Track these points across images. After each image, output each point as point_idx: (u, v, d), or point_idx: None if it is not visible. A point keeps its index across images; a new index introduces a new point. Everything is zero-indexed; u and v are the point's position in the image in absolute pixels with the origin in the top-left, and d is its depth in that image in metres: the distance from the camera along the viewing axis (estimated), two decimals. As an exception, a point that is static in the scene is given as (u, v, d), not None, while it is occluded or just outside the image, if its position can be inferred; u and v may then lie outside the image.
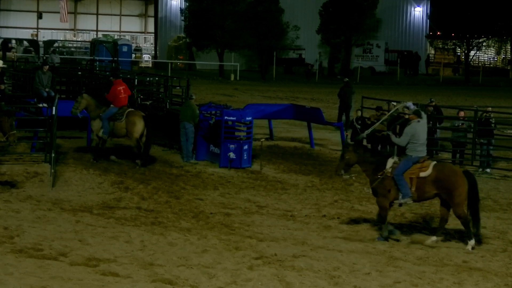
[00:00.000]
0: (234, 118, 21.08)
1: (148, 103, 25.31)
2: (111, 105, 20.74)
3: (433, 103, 23.67)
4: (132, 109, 21.14)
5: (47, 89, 23.79)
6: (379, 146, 23.14)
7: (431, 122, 22.10)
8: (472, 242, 13.78)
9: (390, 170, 13.99)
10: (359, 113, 24.27)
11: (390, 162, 14.08)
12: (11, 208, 15.22)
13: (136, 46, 73.92)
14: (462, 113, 22.74)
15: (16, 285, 10.79)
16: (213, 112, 21.81)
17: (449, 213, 14.02)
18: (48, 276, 11.23)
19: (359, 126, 23.87)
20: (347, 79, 33.61)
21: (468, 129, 22.30)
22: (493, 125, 22.22)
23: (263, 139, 23.45)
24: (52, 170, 17.64)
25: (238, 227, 14.64)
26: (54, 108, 18.95)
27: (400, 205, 14.43)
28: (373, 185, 14.25)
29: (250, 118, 21.37)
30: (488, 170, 21.95)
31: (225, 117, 21.00)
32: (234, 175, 19.85)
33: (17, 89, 28.61)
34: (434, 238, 13.98)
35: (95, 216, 14.98)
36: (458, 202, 13.74)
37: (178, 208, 15.98)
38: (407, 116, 14.51)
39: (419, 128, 14.02)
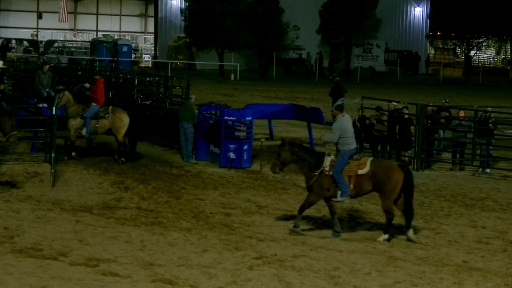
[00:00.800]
0: (234, 118, 21.08)
1: (148, 103, 25.31)
2: (93, 103, 20.77)
3: (448, 103, 23.50)
4: (115, 106, 21.19)
5: (47, 89, 23.77)
6: (379, 146, 23.16)
7: (429, 122, 22.11)
8: (385, 236, 14.02)
9: (328, 168, 14.03)
10: (360, 113, 24.23)
11: (327, 160, 14.12)
12: (11, 208, 15.23)
13: (135, 46, 73.92)
14: (462, 113, 22.72)
15: (16, 285, 10.79)
16: (213, 112, 21.81)
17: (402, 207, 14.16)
18: (48, 276, 11.23)
19: (358, 125, 23.83)
20: (338, 78, 33.84)
21: (468, 129, 22.28)
22: (491, 125, 22.18)
23: (263, 139, 23.45)
24: (52, 170, 17.64)
25: (238, 227, 14.64)
26: (54, 108, 18.95)
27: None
28: (309, 183, 14.20)
29: (250, 118, 21.37)
30: (488, 170, 21.94)
31: (225, 117, 21.00)
32: (234, 175, 19.85)
33: (17, 89, 28.61)
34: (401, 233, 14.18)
35: (95, 216, 14.98)
36: (388, 197, 13.92)
37: (178, 208, 15.98)
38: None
39: (345, 122, 14.22)
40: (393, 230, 14.23)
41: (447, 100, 24.23)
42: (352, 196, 14.23)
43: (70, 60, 49.66)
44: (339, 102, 14.60)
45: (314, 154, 14.51)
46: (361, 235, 14.50)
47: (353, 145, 14.13)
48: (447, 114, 23.19)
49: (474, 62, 72.55)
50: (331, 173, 13.96)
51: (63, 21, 76.38)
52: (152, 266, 11.91)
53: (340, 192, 14.01)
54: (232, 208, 16.28)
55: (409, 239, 14.01)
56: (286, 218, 15.63)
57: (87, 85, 21.65)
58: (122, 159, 20.48)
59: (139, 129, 23.77)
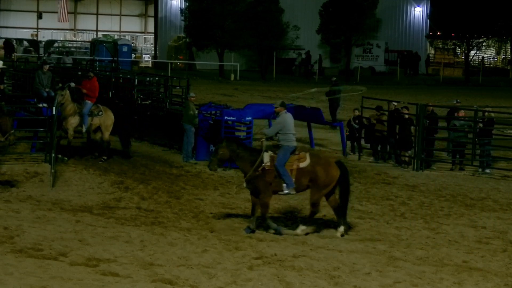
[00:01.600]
0: (234, 118, 21.07)
1: (148, 103, 25.32)
2: (87, 101, 20.84)
3: (459, 103, 23.36)
4: (102, 105, 21.33)
5: (47, 89, 23.76)
6: (379, 146, 23.16)
7: (427, 121, 22.11)
8: (302, 227, 14.08)
9: (269, 164, 14.05)
10: (357, 113, 24.27)
11: (266, 156, 14.16)
12: (11, 208, 15.23)
13: (134, 46, 73.92)
14: (462, 113, 22.72)
15: (16, 285, 10.79)
16: (213, 112, 21.81)
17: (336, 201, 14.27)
18: (48, 276, 11.23)
19: (357, 126, 23.88)
20: (335, 78, 34.07)
21: (469, 129, 22.25)
22: (484, 120, 22.12)
23: (263, 139, 23.41)
24: (52, 170, 17.64)
25: (238, 227, 14.63)
26: (54, 108, 18.94)
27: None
28: (253, 181, 14.17)
29: (250, 118, 21.37)
30: (488, 170, 21.93)
31: (225, 117, 21.00)
32: (234, 175, 19.83)
33: (17, 89, 28.61)
34: (342, 228, 14.17)
35: (95, 216, 14.98)
36: (320, 191, 13.99)
37: (178, 208, 15.98)
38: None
39: (288, 119, 14.32)
40: (310, 224, 14.24)
41: (458, 100, 24.08)
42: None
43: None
44: (312, 90, 14.81)
45: (252, 151, 14.58)
46: (361, 235, 14.48)
47: (294, 142, 14.24)
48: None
49: (474, 62, 72.52)
50: (272, 168, 13.99)
51: (63, 21, 76.37)
52: (152, 266, 11.91)
53: (285, 184, 14.02)
54: (232, 208, 16.28)
55: (342, 235, 14.07)
56: (286, 218, 15.62)
57: (72, 84, 21.80)
58: (104, 157, 20.49)
59: (135, 128, 23.91)
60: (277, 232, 14.16)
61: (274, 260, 12.51)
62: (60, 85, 22.45)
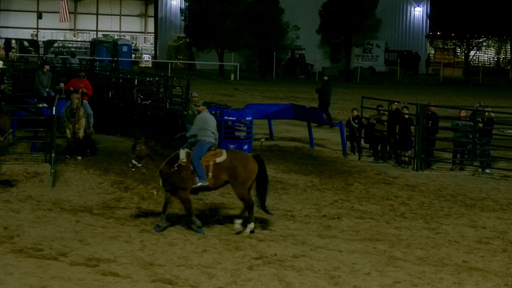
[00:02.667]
0: (234, 118, 21.08)
1: (148, 103, 25.32)
2: (85, 101, 21.03)
3: (481, 107, 23.21)
4: None
5: (47, 89, 23.78)
6: (379, 146, 23.16)
7: (430, 122, 22.10)
8: (251, 226, 14.10)
9: (185, 160, 14.09)
10: (355, 112, 24.29)
11: (182, 153, 14.21)
12: (11, 208, 15.23)
13: (135, 46, 73.96)
14: (463, 113, 22.72)
15: (16, 285, 10.79)
16: (213, 112, 21.80)
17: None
18: (48, 276, 11.24)
19: (356, 126, 23.89)
20: (327, 78, 34.27)
21: (470, 129, 22.22)
22: (484, 120, 22.09)
23: (263, 139, 23.47)
24: (52, 170, 17.64)
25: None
26: (54, 108, 18.95)
27: (197, 192, 14.46)
28: (170, 178, 14.17)
29: (250, 118, 21.37)
30: (488, 170, 21.93)
31: (225, 117, 21.00)
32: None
33: (17, 89, 28.61)
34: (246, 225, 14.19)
35: (95, 216, 14.98)
36: (242, 185, 14.06)
37: (178, 208, 15.96)
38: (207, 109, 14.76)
39: (208, 117, 14.47)
40: (253, 217, 14.25)
41: (481, 103, 23.97)
42: (211, 187, 14.28)
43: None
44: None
45: (168, 149, 14.73)
46: (361, 235, 14.49)
47: (213, 139, 14.30)
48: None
49: (474, 62, 72.48)
50: (189, 164, 14.04)
51: (64, 21, 76.50)
52: (152, 266, 11.91)
53: (197, 177, 14.04)
54: (232, 208, 16.27)
55: (252, 231, 14.07)
56: (286, 218, 15.63)
57: (61, 85, 21.94)
58: (79, 157, 20.61)
59: (135, 128, 23.97)
60: (199, 231, 14.06)
61: (274, 260, 12.52)
62: (62, 85, 22.53)
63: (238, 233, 14.06)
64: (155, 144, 14.55)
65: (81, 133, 20.70)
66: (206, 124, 14.29)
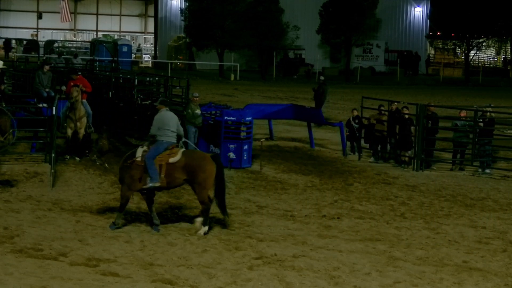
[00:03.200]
0: (234, 118, 21.07)
1: (148, 103, 25.31)
2: (84, 100, 21.08)
3: (492, 108, 23.10)
4: None
5: (47, 89, 23.78)
6: (379, 146, 23.16)
7: (430, 122, 22.10)
8: (205, 228, 14.01)
9: (140, 159, 14.08)
10: (355, 112, 24.30)
11: (139, 150, 14.20)
12: (11, 208, 15.23)
13: (138, 46, 73.98)
14: (463, 113, 22.72)
15: (16, 285, 10.80)
16: (213, 112, 21.82)
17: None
18: (48, 276, 11.24)
19: (356, 126, 23.89)
20: (323, 78, 34.36)
21: (470, 129, 22.22)
22: (485, 120, 22.07)
23: (263, 139, 23.46)
24: (52, 170, 17.63)
25: (238, 227, 14.64)
26: (54, 108, 18.95)
27: (147, 192, 14.40)
28: (120, 172, 14.26)
29: (250, 118, 21.36)
30: (488, 170, 21.93)
31: (225, 117, 21.00)
32: (234, 175, 19.85)
33: (17, 89, 28.61)
34: (203, 227, 14.09)
35: (95, 216, 14.98)
36: (203, 187, 13.98)
37: (178, 208, 15.98)
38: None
39: (166, 116, 14.40)
40: (208, 220, 14.16)
41: (491, 105, 23.90)
42: (165, 186, 14.23)
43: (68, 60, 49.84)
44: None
45: (129, 146, 14.66)
46: (361, 235, 14.49)
47: (172, 138, 14.27)
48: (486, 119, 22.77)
49: (474, 62, 72.47)
50: (142, 163, 14.02)
51: (66, 21, 76.60)
52: (152, 266, 11.91)
53: (149, 178, 14.01)
54: (232, 208, 16.27)
55: (205, 233, 14.01)
56: (286, 218, 15.63)
57: (63, 87, 22.01)
58: (78, 158, 20.72)
59: (135, 128, 24.06)
60: (113, 227, 14.08)
61: (274, 260, 12.52)
62: (64, 87, 22.56)
63: (200, 232, 13.97)
64: (117, 141, 14.61)
65: (82, 132, 20.74)
66: (164, 124, 14.24)
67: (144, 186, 14.07)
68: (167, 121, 14.26)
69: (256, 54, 62.91)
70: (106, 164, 14.91)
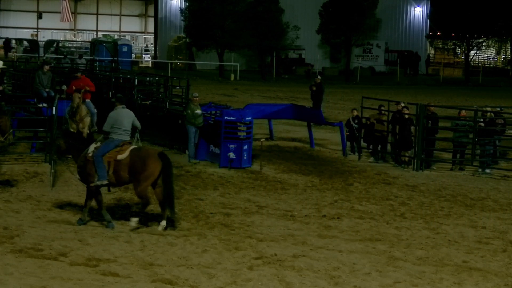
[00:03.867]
0: (234, 118, 21.07)
1: (148, 103, 25.32)
2: (88, 100, 21.32)
3: (502, 110, 22.95)
4: None
5: (47, 89, 23.79)
6: (379, 146, 23.17)
7: (430, 122, 22.11)
8: (135, 219, 14.05)
9: (91, 154, 14.17)
10: (355, 112, 24.30)
11: (92, 147, 14.30)
12: (11, 208, 15.23)
13: (146, 46, 74.06)
14: (463, 113, 22.72)
15: (16, 285, 10.79)
16: (213, 112, 21.82)
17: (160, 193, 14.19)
18: (48, 276, 11.24)
19: (356, 126, 23.89)
20: (320, 77, 34.42)
21: (469, 129, 22.24)
22: (486, 120, 22.07)
23: (263, 139, 23.46)
24: (52, 170, 17.63)
25: (238, 227, 14.64)
26: (54, 108, 18.95)
27: (109, 189, 14.58)
28: (78, 171, 14.39)
29: (250, 118, 21.37)
30: (488, 170, 21.93)
31: (225, 117, 21.00)
32: (234, 175, 19.86)
33: (17, 89, 28.60)
34: (164, 222, 14.11)
35: (95, 216, 14.97)
36: (141, 184, 13.94)
37: (178, 208, 15.95)
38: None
39: (121, 113, 14.52)
40: (143, 215, 14.22)
41: (502, 107, 23.85)
42: (115, 183, 14.29)
43: (70, 60, 49.84)
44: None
45: (83, 142, 14.82)
46: (361, 235, 14.49)
47: (125, 137, 14.35)
48: (502, 121, 22.77)
49: (474, 62, 72.47)
50: (93, 159, 14.15)
51: (67, 21, 76.66)
52: (152, 266, 11.91)
53: (97, 176, 14.10)
54: (232, 208, 16.28)
55: (165, 229, 14.02)
56: (286, 218, 15.63)
57: (64, 86, 22.17)
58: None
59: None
60: (80, 222, 14.18)
61: (274, 260, 12.52)
62: (65, 86, 22.63)
63: (133, 229, 13.95)
64: (71, 139, 14.83)
65: (85, 132, 20.86)
66: (117, 122, 14.33)
67: (92, 184, 14.20)
68: (121, 119, 14.38)
69: (256, 54, 62.94)
70: (71, 167, 15.03)
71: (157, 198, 14.34)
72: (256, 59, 63.93)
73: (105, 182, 14.09)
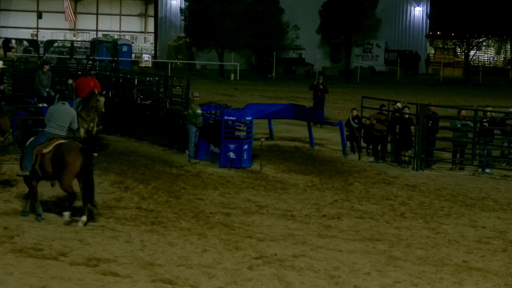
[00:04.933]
0: (234, 118, 21.07)
1: (148, 103, 25.33)
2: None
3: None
4: None
5: (47, 89, 23.80)
6: (379, 146, 23.16)
7: (430, 122, 22.10)
8: (65, 213, 14.17)
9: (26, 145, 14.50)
10: (355, 112, 24.29)
11: (30, 139, 14.62)
12: (11, 208, 15.21)
13: (151, 45, 74.19)
14: (463, 113, 22.71)
15: (16, 285, 10.80)
16: (213, 112, 21.82)
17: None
18: (48, 276, 11.24)
19: (356, 125, 23.89)
20: (322, 77, 34.52)
21: (469, 129, 22.24)
22: (486, 124, 22.07)
23: (263, 139, 23.45)
24: (52, 170, 17.61)
25: (238, 227, 14.64)
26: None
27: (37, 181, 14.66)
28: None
29: (250, 118, 21.36)
30: (488, 170, 21.93)
31: (225, 117, 21.00)
32: (234, 175, 19.86)
33: (17, 89, 28.60)
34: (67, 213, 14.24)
35: (95, 216, 14.97)
36: (65, 177, 14.10)
37: (178, 208, 15.98)
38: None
39: (60, 109, 14.87)
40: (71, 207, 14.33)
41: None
42: (40, 176, 14.46)
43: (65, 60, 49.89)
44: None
45: (27, 135, 15.13)
46: (361, 235, 14.49)
47: (57, 131, 14.57)
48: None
49: (474, 62, 72.46)
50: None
51: (70, 20, 76.85)
52: (152, 266, 11.91)
53: (23, 166, 14.41)
54: (232, 208, 16.28)
55: (84, 224, 14.09)
56: (286, 218, 15.63)
57: (70, 81, 22.43)
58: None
59: (135, 129, 24.18)
60: (24, 214, 14.44)
61: (274, 260, 12.52)
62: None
63: (66, 223, 14.07)
64: (25, 133, 15.16)
65: (95, 130, 21.30)
66: (52, 116, 14.66)
67: (18, 174, 14.58)
68: (56, 114, 14.70)
69: (256, 54, 62.94)
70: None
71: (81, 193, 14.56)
72: (256, 59, 63.93)
73: (26, 173, 14.36)
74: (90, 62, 38.14)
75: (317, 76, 38.26)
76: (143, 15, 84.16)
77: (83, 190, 14.29)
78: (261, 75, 59.30)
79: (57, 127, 14.60)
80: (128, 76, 29.02)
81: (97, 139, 21.82)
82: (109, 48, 56.81)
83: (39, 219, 14.27)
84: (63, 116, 14.71)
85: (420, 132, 21.73)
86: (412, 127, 22.13)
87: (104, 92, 22.11)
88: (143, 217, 15.06)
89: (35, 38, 72.71)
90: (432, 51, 77.11)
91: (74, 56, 48.75)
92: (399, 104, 23.06)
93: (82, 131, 20.90)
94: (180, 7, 64.60)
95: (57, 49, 58.65)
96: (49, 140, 14.39)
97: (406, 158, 22.31)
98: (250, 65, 61.32)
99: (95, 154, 20.82)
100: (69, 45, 66.55)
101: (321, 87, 31.74)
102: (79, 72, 30.15)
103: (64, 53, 54.76)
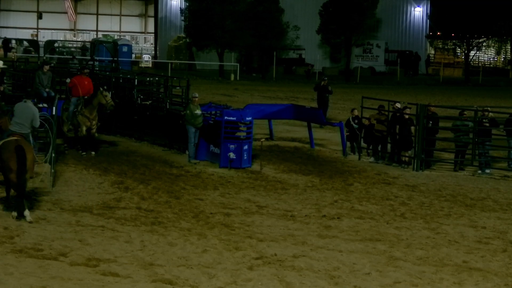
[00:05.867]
0: (234, 118, 21.07)
1: (148, 103, 25.33)
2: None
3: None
4: None
5: (47, 89, 23.80)
6: (379, 146, 23.16)
7: (430, 122, 22.10)
8: (14, 214, 14.37)
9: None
10: (355, 112, 24.30)
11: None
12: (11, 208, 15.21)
13: (152, 45, 74.15)
14: (464, 113, 22.70)
15: (16, 285, 10.80)
16: (213, 112, 21.81)
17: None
18: (48, 276, 11.24)
19: (356, 126, 23.89)
20: (326, 78, 34.59)
21: (470, 129, 22.23)
22: (487, 124, 22.08)
23: (263, 139, 23.45)
24: (52, 170, 17.63)
25: (238, 227, 14.64)
26: (54, 108, 18.94)
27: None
28: None
29: (250, 118, 21.36)
30: (488, 170, 21.93)
31: (225, 117, 20.99)
32: (234, 175, 19.86)
33: (17, 89, 28.57)
34: (15, 213, 14.45)
35: (95, 216, 14.98)
36: (5, 174, 14.49)
37: (178, 208, 15.98)
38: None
39: (21, 107, 15.27)
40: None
41: None
42: None
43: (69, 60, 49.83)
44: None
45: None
46: (361, 235, 14.49)
47: (15, 128, 14.87)
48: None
49: (474, 62, 72.46)
50: None
51: (72, 20, 76.94)
52: (152, 266, 11.92)
53: None
54: (232, 208, 16.28)
55: (17, 218, 14.25)
56: (286, 218, 15.63)
57: (68, 80, 22.67)
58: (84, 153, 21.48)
59: (135, 129, 24.20)
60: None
61: (274, 260, 12.52)
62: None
63: (17, 218, 14.23)
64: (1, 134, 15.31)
65: (95, 130, 21.57)
66: (16, 115, 15.08)
67: None
68: (17, 112, 15.12)
69: (248, 55, 62.97)
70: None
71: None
72: (256, 59, 63.91)
73: None
74: (91, 62, 38.15)
75: (322, 77, 38.23)
76: (143, 15, 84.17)
77: (15, 188, 14.57)
78: (261, 74, 59.29)
79: (16, 125, 14.96)
80: (128, 76, 29.00)
81: (94, 139, 21.94)
82: (109, 49, 56.83)
83: (14, 215, 14.39)
84: (23, 114, 15.06)
85: (420, 133, 21.73)
86: (412, 128, 22.12)
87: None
88: (143, 217, 15.07)
89: (35, 38, 72.70)
90: (432, 52, 77.11)
91: (76, 57, 48.72)
92: (398, 105, 23.07)
93: (83, 129, 21.08)
94: (180, 7, 64.60)
95: (57, 49, 58.64)
96: (9, 136, 14.73)
97: (406, 159, 22.30)
98: (239, 62, 61.13)
99: (93, 153, 21.11)
100: (69, 45, 66.67)
101: (330, 88, 31.96)
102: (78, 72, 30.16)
103: (64, 53, 54.71)
